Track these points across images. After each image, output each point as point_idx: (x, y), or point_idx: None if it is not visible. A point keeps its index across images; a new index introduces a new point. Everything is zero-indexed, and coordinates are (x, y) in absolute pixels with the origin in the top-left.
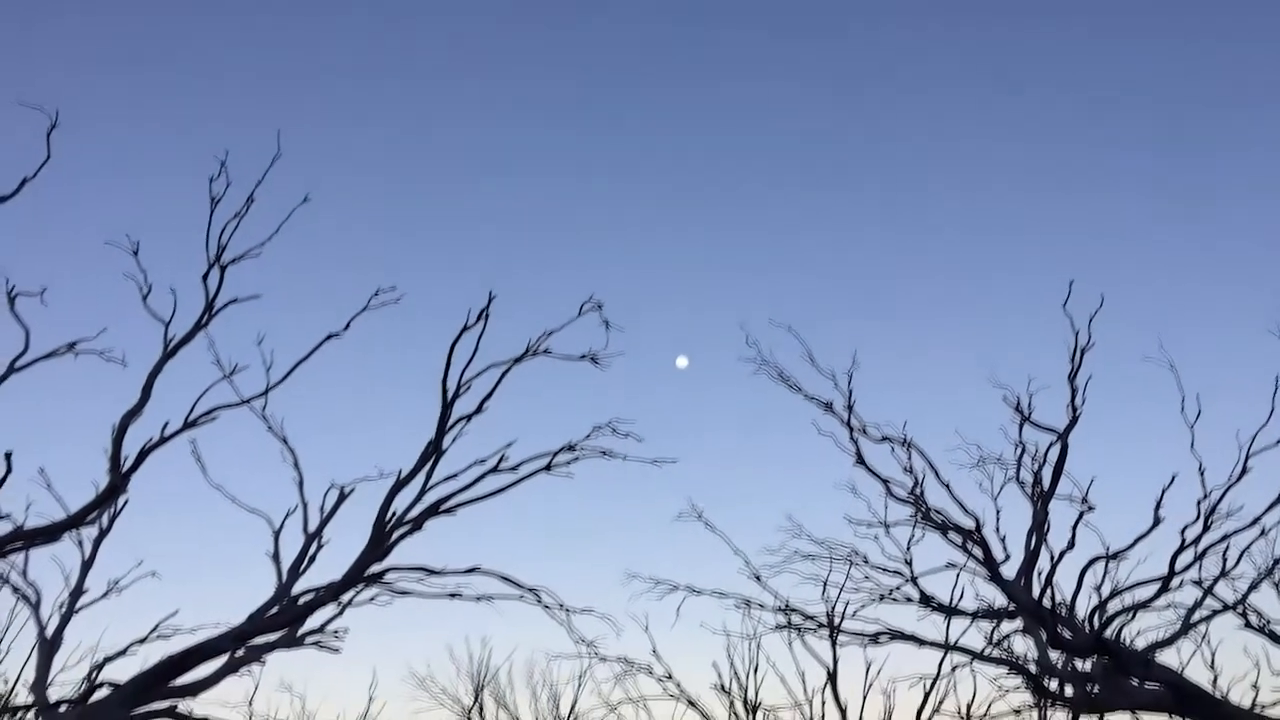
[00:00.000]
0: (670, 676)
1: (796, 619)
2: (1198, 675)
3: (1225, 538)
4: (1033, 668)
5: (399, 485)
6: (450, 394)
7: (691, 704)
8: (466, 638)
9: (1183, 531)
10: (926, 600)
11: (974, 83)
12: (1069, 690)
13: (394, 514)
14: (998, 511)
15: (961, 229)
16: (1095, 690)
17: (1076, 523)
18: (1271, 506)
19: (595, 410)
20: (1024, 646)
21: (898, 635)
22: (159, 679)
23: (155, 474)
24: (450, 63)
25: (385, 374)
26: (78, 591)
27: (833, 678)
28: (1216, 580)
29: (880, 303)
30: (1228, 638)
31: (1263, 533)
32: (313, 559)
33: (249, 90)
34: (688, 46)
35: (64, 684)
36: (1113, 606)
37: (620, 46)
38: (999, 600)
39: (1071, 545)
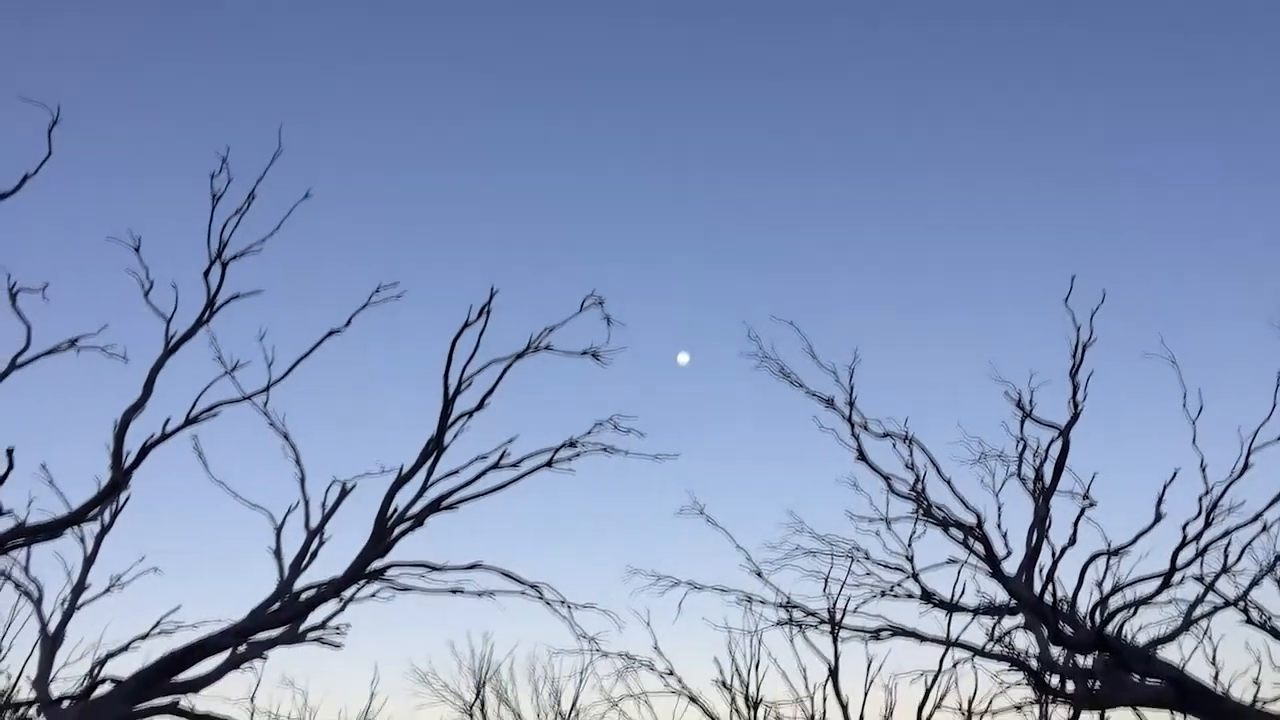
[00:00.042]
0: (672, 672)
1: (798, 614)
2: (1199, 671)
3: (1227, 533)
4: (1034, 663)
5: (400, 481)
6: (452, 390)
7: (693, 699)
8: (468, 633)
9: (1184, 527)
10: (928, 596)
11: (975, 78)
12: (1070, 686)
13: (395, 510)
14: (999, 507)
15: (963, 224)
16: (1096, 686)
17: (1078, 518)
18: (1273, 502)
19: (597, 406)
20: (1025, 642)
21: (899, 631)
22: (161, 675)
23: (157, 470)
24: (452, 58)
25: (387, 370)
26: (80, 587)
27: (834, 673)
28: (1218, 576)
29: (882, 298)
30: (1229, 633)
31: (1265, 528)
32: (314, 555)
33: (250, 86)
34: (689, 42)
35: (66, 680)
36: (1114, 602)
37: (621, 42)
38: (1000, 596)
39: (1073, 541)
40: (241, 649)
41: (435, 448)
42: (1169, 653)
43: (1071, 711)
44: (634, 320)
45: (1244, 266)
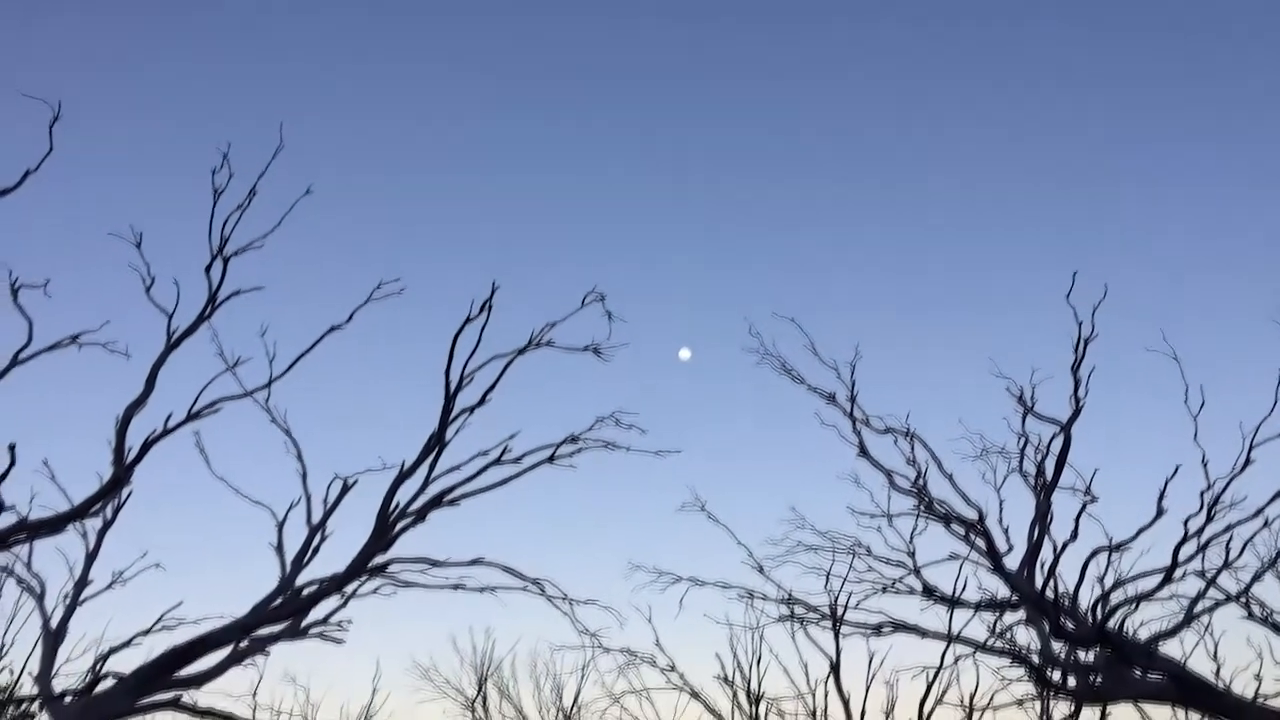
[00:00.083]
0: (673, 667)
1: (799, 610)
2: (1200, 666)
3: (1228, 529)
4: (1036, 659)
5: (402, 477)
6: (453, 386)
7: (694, 695)
8: (470, 629)
9: (1186, 523)
10: (929, 591)
11: (976, 77)
12: (1072, 681)
13: (397, 506)
14: (1001, 503)
15: (964, 221)
16: (1098, 681)
17: (1079, 514)
18: (1275, 497)
19: (598, 402)
20: (1027, 638)
21: (901, 626)
22: (163, 670)
23: (159, 466)
24: (454, 54)
25: (388, 366)
26: (82, 583)
27: (836, 669)
28: (1219, 571)
29: (883, 295)
30: (1230, 629)
31: (1266, 524)
32: (316, 550)
33: (251, 85)
34: (689, 42)
35: (69, 675)
36: (1115, 598)
37: (623, 41)
38: (1002, 591)
39: (1074, 536)
40: (244, 645)
41: (437, 443)
42: (1170, 648)
43: (1073, 707)
44: (635, 316)
45: (1246, 263)
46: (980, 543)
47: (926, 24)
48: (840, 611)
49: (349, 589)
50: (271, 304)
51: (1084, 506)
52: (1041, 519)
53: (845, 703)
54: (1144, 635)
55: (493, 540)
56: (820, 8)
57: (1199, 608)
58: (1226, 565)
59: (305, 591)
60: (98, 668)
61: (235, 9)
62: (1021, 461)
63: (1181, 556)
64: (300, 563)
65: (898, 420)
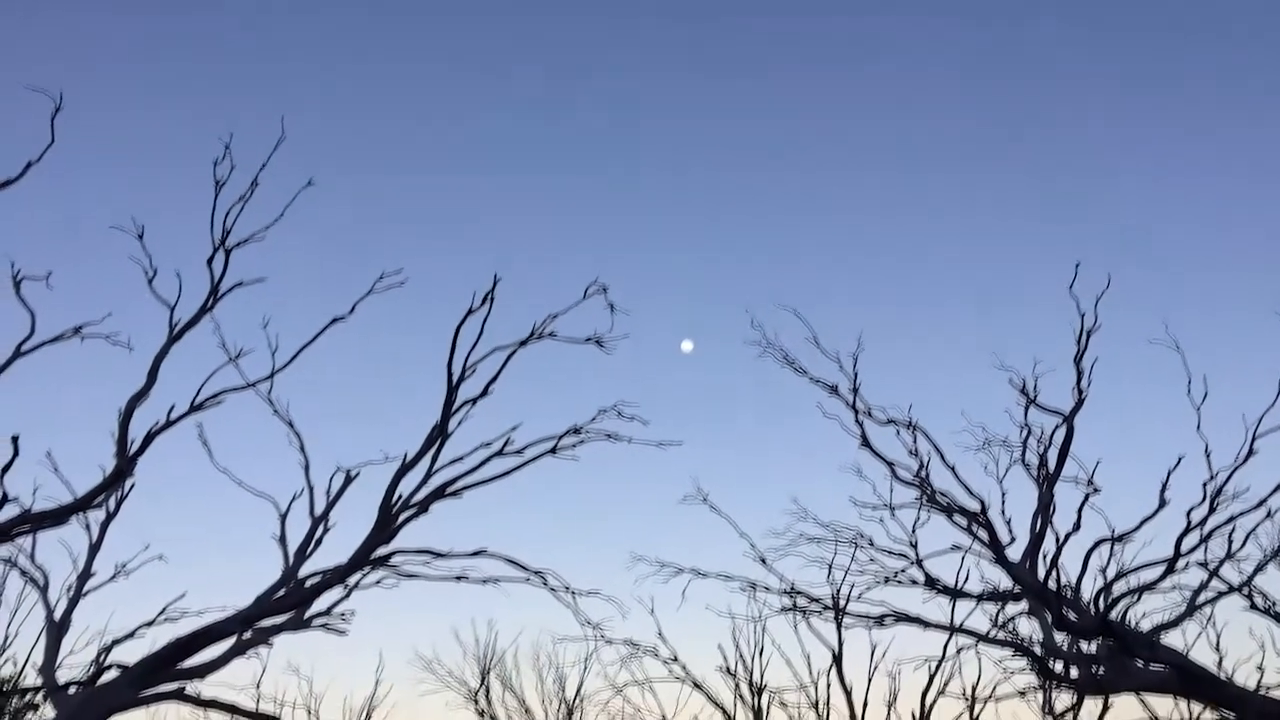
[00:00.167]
0: (676, 659)
1: (802, 601)
2: (1203, 657)
3: (1231, 520)
4: (1038, 650)
5: (405, 469)
6: (455, 377)
7: (697, 686)
8: (472, 620)
9: (1188, 514)
10: (932, 583)
11: (979, 70)
12: (1074, 672)
13: (400, 497)
14: (1003, 494)
15: (967, 212)
16: (1100, 672)
17: (1082, 505)
18: (1278, 488)
19: (600, 393)
20: (1029, 628)
21: (903, 617)
22: (167, 661)
23: (162, 457)
24: (456, 48)
25: (390, 357)
26: (85, 574)
27: (838, 660)
28: (1222, 562)
29: (885, 286)
30: (1233, 619)
31: (1269, 515)
32: (319, 542)
33: (253, 81)
34: (691, 35)
35: (73, 666)
36: (1118, 589)
37: (625, 35)
38: (1004, 582)
39: (1077, 527)
40: (247, 636)
41: (439, 435)
42: (1173, 639)
43: (1075, 697)
44: (637, 308)
45: (1249, 254)
46: (982, 534)
47: (928, 17)
48: (842, 603)
49: (352, 580)
50: (273, 296)
51: (1086, 498)
52: (1044, 510)
53: (847, 694)
54: (1146, 626)
55: (495, 532)
56: (822, 1)
57: (1201, 599)
58: (1229, 556)
59: (308, 583)
60: (101, 659)
61: (236, 7)
62: (1024, 453)
63: (1184, 547)
64: (303, 554)
65: (900, 412)
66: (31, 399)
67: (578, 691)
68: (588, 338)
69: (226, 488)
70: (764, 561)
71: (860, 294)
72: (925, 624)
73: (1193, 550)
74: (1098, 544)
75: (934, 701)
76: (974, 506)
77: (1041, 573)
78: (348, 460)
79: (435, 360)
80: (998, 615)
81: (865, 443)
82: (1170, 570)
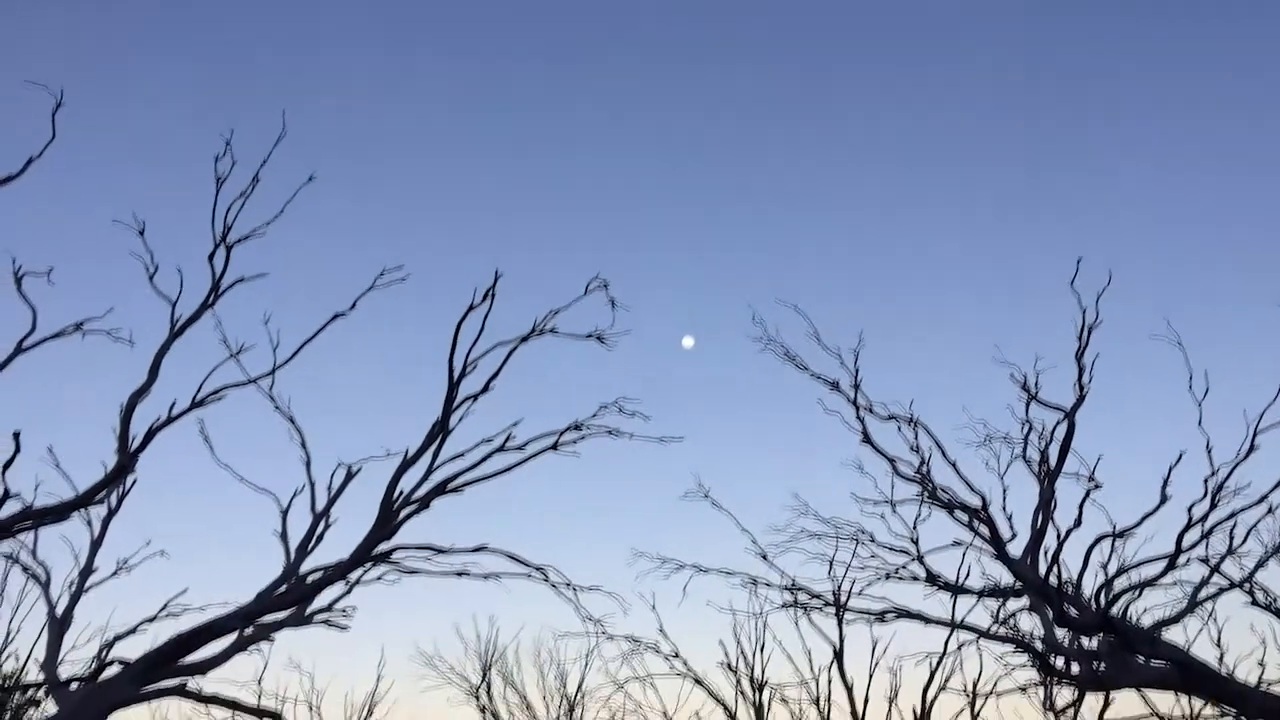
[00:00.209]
0: (677, 654)
1: (803, 597)
2: (1204, 653)
3: (1232, 515)
4: (1039, 645)
5: (406, 464)
6: (457, 373)
7: (698, 682)
8: (474, 616)
9: (1190, 509)
10: (933, 578)
11: (978, 62)
12: (1075, 668)
13: (401, 493)
14: (1004, 490)
15: (968, 208)
16: (1101, 668)
17: (1083, 501)
18: (1279, 484)
19: (602, 389)
20: (1030, 624)
21: (904, 613)
22: (168, 657)
23: (163, 453)
24: (457, 42)
25: (392, 353)
26: (87, 570)
27: (839, 656)
28: (1223, 558)
29: (887, 281)
30: (1234, 615)
31: (1270, 510)
32: (320, 538)
33: (254, 71)
34: (694, 28)
35: (74, 662)
36: (1119, 584)
37: (627, 28)
38: (1005, 578)
39: (1078, 523)
40: (248, 632)
41: (440, 431)
42: (1174, 635)
43: (1076, 693)
44: (639, 304)
45: (1251, 250)
46: (984, 530)
47: (929, 10)
48: (843, 598)
49: (353, 576)
50: (275, 291)
51: (1088, 493)
52: (1045, 506)
53: (849, 689)
54: (1147, 622)
55: (497, 528)
56: None
57: (1203, 594)
58: (1230, 552)
59: (310, 579)
60: (103, 655)
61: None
62: (1025, 448)
63: (1185, 543)
64: (304, 550)
65: (901, 407)
66: (33, 395)
67: (579, 687)
68: (589, 333)
69: (228, 484)
70: (765, 557)
71: (861, 289)
72: (926, 620)
73: (1194, 546)
74: (1099, 540)
75: (935, 697)
76: (975, 502)
77: (1043, 568)
78: (349, 456)
79: (436, 356)
80: (999, 611)
81: (866, 438)
82: (1171, 566)
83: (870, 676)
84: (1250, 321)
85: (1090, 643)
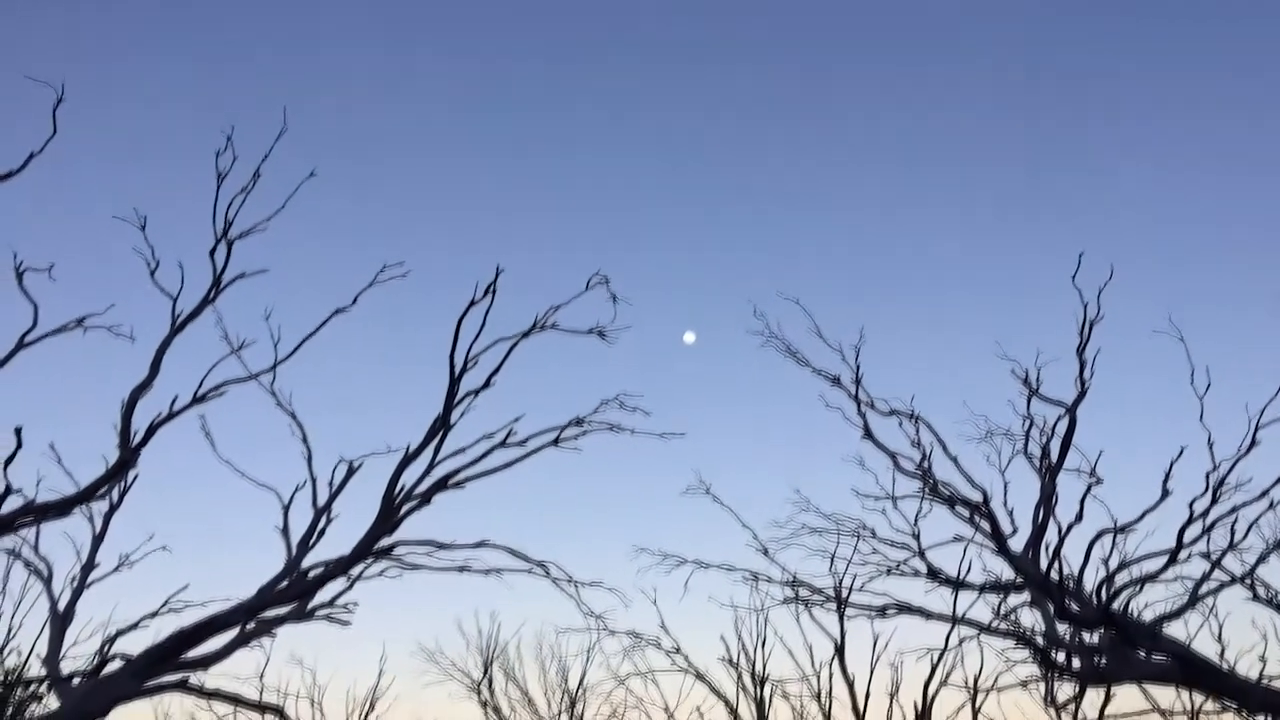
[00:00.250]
0: (678, 650)
1: (804, 592)
2: (1205, 647)
3: (1234, 510)
4: (1040, 640)
5: (407, 460)
6: (458, 369)
7: (699, 677)
8: (475, 611)
9: (1191, 504)
10: (934, 573)
11: (980, 60)
12: (1076, 663)
13: (402, 488)
14: (1005, 485)
15: (970, 203)
16: (1102, 662)
17: (1084, 496)
18: None
19: (603, 385)
20: (1031, 619)
21: (905, 608)
22: (170, 652)
23: (165, 449)
24: (457, 42)
25: (393, 349)
26: (89, 566)
27: (840, 651)
28: (1224, 553)
29: (888, 277)
30: (1235, 610)
31: (1271, 505)
32: (322, 533)
33: (255, 67)
34: (694, 28)
35: (76, 657)
36: (1120, 579)
37: (627, 28)
38: (1006, 573)
39: (1079, 518)
40: (250, 627)
41: (442, 426)
42: (1175, 629)
43: (1077, 688)
44: (640, 299)
45: (1252, 246)
46: (985, 525)
47: (929, 10)
48: (845, 594)
49: (355, 571)
50: (276, 287)
51: (1089, 488)
52: (1046, 501)
53: (850, 684)
54: (1148, 617)
55: (498, 523)
56: None
57: (1203, 589)
58: (1231, 547)
59: (311, 574)
60: (105, 650)
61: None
62: (1026, 444)
63: (1186, 538)
64: (306, 545)
65: (902, 403)
66: (34, 390)
67: (580, 682)
68: (590, 329)
69: (229, 479)
70: (766, 552)
71: (862, 289)
72: (927, 615)
73: (1195, 541)
74: (1100, 535)
75: (936, 692)
76: (976, 497)
77: (1044, 563)
78: (350, 452)
79: (438, 352)
80: (1000, 606)
81: (867, 434)
82: (1172, 561)
83: (871, 672)
84: (1252, 317)
85: (1091, 638)
